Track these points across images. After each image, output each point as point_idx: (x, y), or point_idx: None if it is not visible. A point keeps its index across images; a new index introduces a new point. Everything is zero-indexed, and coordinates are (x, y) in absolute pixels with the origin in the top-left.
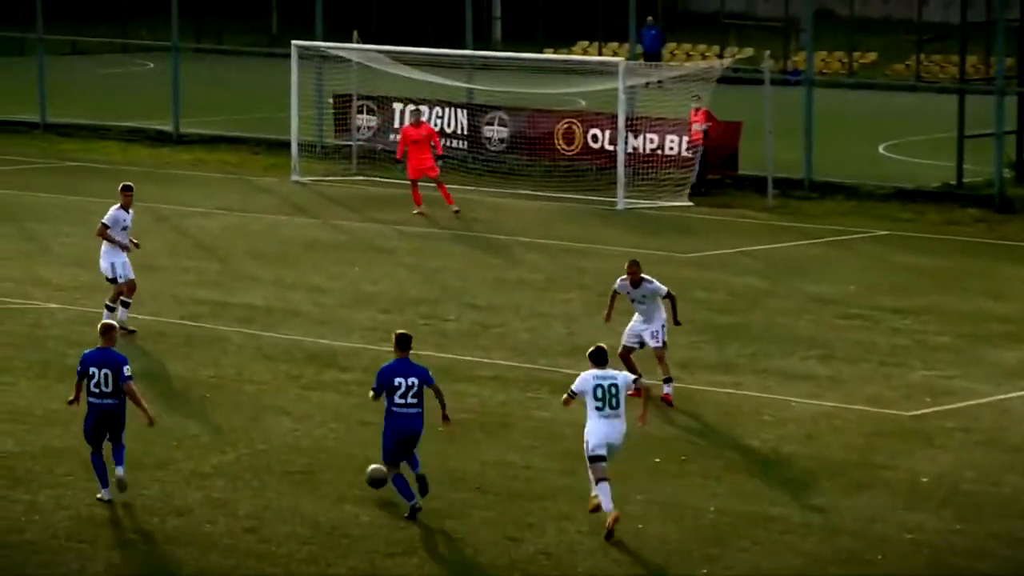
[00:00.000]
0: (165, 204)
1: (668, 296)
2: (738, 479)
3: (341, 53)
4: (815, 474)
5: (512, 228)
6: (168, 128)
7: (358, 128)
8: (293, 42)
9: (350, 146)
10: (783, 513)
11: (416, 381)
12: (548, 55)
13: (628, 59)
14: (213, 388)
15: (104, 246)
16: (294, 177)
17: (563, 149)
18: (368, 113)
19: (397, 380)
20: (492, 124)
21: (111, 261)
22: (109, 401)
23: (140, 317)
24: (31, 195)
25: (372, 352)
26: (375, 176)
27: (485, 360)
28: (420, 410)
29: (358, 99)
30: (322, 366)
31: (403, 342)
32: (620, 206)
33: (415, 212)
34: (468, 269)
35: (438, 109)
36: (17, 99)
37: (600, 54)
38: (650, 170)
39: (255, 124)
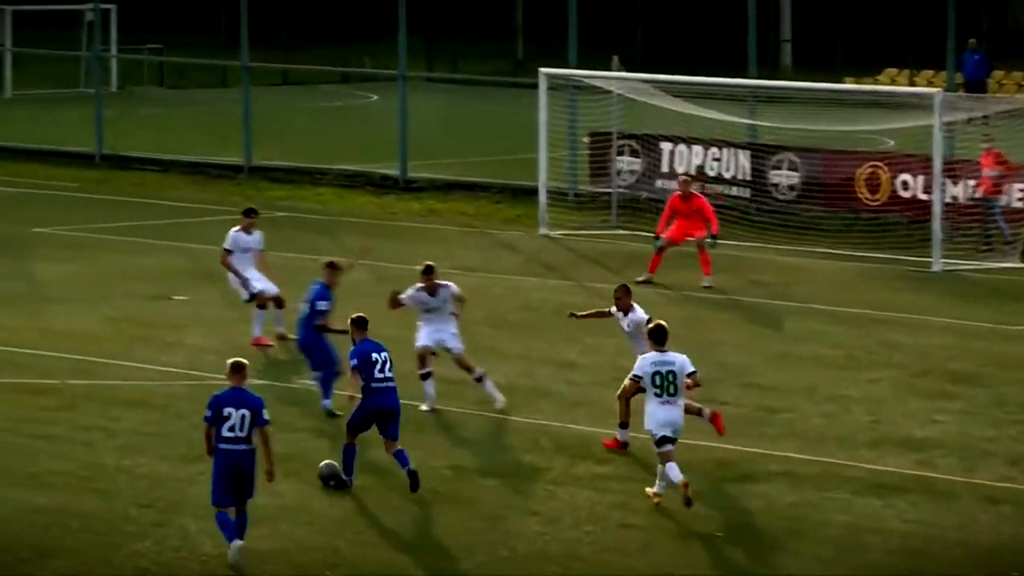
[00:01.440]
0: (390, 263)
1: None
2: None
3: (599, 83)
4: None
5: (804, 293)
6: (394, 172)
7: (618, 172)
8: (541, 70)
9: (609, 194)
10: None
11: (387, 355)
12: (848, 85)
13: (946, 90)
14: (446, 482)
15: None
16: (542, 230)
17: (866, 198)
18: (630, 154)
19: (374, 356)
20: (780, 168)
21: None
22: (244, 447)
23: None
24: None
25: (636, 440)
26: (638, 229)
27: (772, 452)
28: (395, 385)
29: (619, 138)
30: (575, 457)
31: (362, 323)
32: (936, 267)
33: (640, 279)
34: (751, 342)
35: (715, 150)
36: (219, 137)
37: (911, 84)
38: (973, 224)
39: (496, 168)
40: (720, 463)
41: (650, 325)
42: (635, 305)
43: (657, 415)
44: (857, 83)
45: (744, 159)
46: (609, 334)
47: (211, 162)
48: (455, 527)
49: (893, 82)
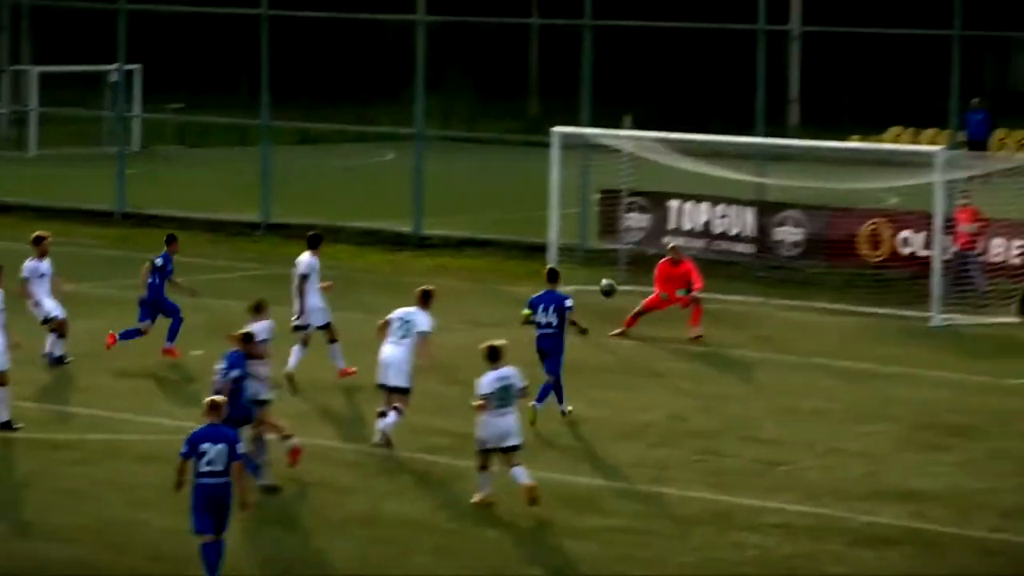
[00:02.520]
0: None
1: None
2: None
3: (610, 141)
4: None
5: (806, 347)
6: (408, 229)
7: (627, 229)
8: (554, 129)
9: (617, 250)
10: None
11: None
12: (854, 143)
13: (949, 148)
14: (449, 534)
15: None
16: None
17: (868, 254)
18: (639, 211)
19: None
20: (785, 225)
21: None
22: (222, 480)
23: (366, 450)
24: None
25: (640, 492)
26: (646, 286)
27: (770, 504)
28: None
29: (628, 195)
30: (580, 510)
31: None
32: (935, 322)
33: (614, 332)
34: (753, 396)
35: (721, 207)
36: (237, 195)
37: (915, 142)
38: (970, 281)
39: (508, 225)
40: (718, 514)
41: (484, 345)
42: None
43: (492, 425)
44: (863, 141)
45: (750, 216)
46: (618, 388)
47: (229, 220)
48: None
49: (897, 140)
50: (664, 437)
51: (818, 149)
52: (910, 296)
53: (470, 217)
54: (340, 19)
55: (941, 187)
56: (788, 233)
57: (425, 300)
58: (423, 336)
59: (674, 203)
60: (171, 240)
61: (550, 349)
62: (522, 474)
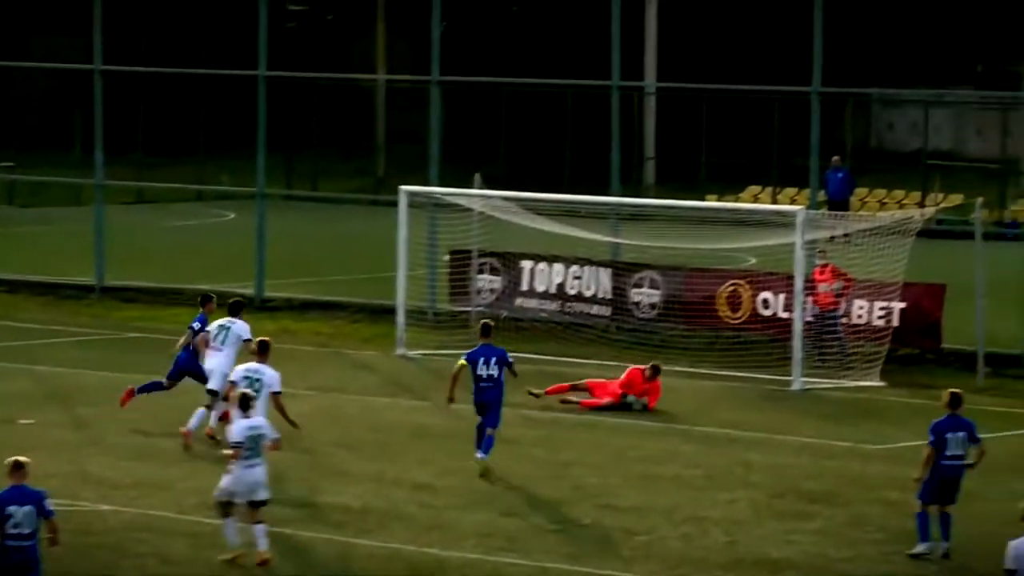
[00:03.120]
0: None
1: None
2: None
3: (459, 200)
4: None
5: (664, 412)
6: (250, 291)
7: (478, 291)
8: (401, 187)
9: (468, 312)
10: None
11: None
12: (711, 203)
13: (808, 207)
14: None
15: None
16: (400, 351)
17: (727, 317)
18: (491, 272)
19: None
20: (641, 286)
21: None
22: (29, 543)
23: (205, 521)
24: (84, 373)
25: (489, 564)
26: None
27: (627, 575)
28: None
29: (479, 256)
30: None
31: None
32: (796, 386)
33: (534, 392)
34: (608, 463)
35: (575, 268)
36: (70, 257)
37: (774, 201)
38: (833, 343)
39: (354, 287)
40: None
41: (236, 392)
42: None
43: (240, 476)
44: (720, 200)
45: (605, 277)
46: (467, 456)
47: (61, 282)
48: None
49: (756, 199)
50: (516, 506)
51: (675, 208)
52: (770, 359)
53: (314, 279)
54: (178, 74)
55: (801, 247)
56: (645, 294)
57: (264, 352)
58: (277, 396)
59: (527, 264)
60: (206, 300)
61: (491, 401)
62: (262, 534)
